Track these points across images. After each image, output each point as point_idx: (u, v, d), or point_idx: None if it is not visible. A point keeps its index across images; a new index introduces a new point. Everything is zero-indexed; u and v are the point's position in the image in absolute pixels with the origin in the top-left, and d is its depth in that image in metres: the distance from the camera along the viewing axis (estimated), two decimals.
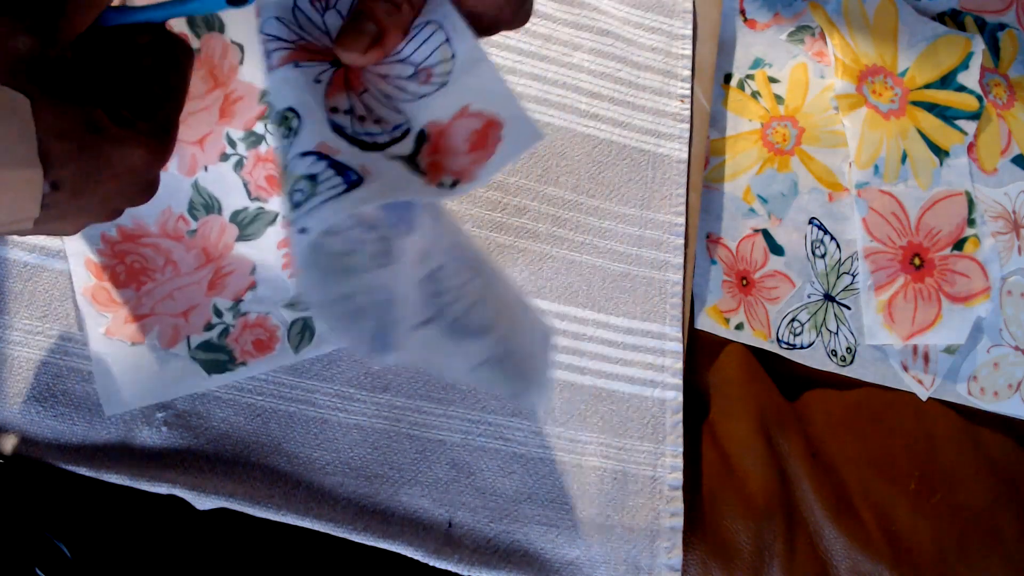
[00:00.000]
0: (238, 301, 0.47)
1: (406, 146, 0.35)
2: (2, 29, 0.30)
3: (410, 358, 0.35)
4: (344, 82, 0.35)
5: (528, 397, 0.37)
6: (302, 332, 0.47)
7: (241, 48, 0.44)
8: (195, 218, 0.46)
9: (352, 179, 0.31)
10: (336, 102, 0.35)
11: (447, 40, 0.35)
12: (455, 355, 0.37)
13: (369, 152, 0.34)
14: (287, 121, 0.34)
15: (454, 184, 0.34)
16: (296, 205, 0.32)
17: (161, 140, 0.34)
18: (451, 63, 0.35)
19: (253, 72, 0.44)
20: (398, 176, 0.33)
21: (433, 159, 0.34)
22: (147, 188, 0.36)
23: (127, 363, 0.44)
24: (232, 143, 0.46)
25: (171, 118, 0.35)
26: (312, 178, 0.32)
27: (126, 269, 0.45)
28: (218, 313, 0.46)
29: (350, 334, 0.34)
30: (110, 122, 0.32)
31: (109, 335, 0.44)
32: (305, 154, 0.32)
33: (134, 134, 0.32)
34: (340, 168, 0.32)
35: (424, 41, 0.35)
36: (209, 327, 0.46)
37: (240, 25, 0.44)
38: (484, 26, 0.36)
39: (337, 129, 0.34)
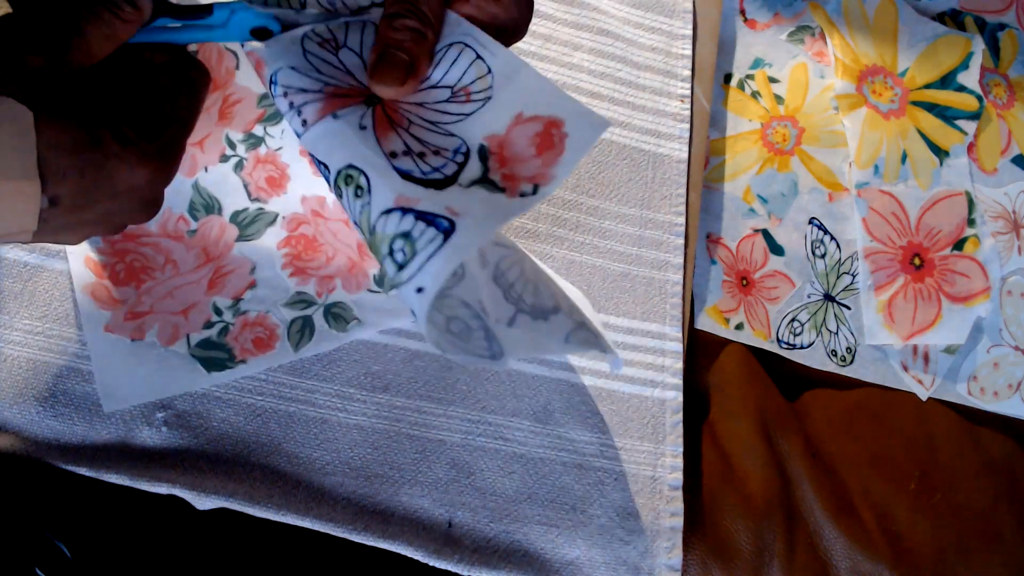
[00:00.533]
0: (238, 300, 0.47)
1: (474, 168, 0.35)
2: (15, 45, 0.30)
3: (520, 354, 0.36)
4: (388, 121, 0.35)
5: (612, 352, 0.39)
6: (302, 330, 0.47)
7: (235, 54, 0.44)
8: (195, 218, 0.46)
9: (445, 227, 0.31)
10: (391, 145, 0.34)
11: (478, 57, 0.35)
12: (548, 336, 0.37)
13: (446, 189, 0.34)
14: (352, 180, 0.33)
15: (534, 190, 0.34)
16: (400, 265, 0.32)
17: (165, 161, 0.34)
18: (489, 77, 0.35)
19: (249, 77, 0.44)
20: (484, 204, 0.33)
21: (504, 171, 0.35)
22: (149, 206, 0.36)
23: (126, 360, 0.44)
24: (232, 144, 0.46)
25: (178, 140, 0.35)
26: (406, 236, 0.32)
27: (126, 267, 0.45)
28: (218, 311, 0.46)
29: (467, 354, 0.34)
30: (113, 140, 0.32)
31: (108, 332, 0.44)
32: (388, 211, 0.32)
33: (137, 153, 0.32)
34: (429, 218, 0.32)
35: (452, 63, 0.35)
36: (209, 325, 0.46)
37: None
38: (507, 36, 0.36)
39: (406, 176, 0.34)
